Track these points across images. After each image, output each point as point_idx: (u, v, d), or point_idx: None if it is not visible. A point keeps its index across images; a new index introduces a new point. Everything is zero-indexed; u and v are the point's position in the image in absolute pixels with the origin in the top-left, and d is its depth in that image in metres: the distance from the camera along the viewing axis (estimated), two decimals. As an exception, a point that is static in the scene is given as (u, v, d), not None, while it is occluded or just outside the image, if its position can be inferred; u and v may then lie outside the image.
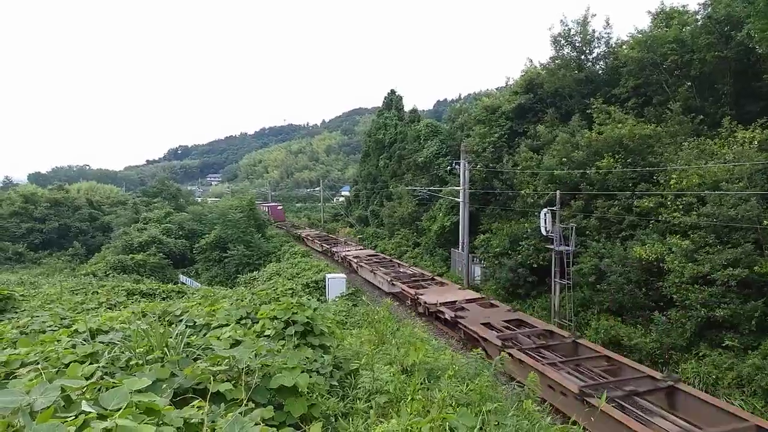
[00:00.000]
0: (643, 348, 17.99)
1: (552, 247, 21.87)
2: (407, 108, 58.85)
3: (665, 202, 19.81)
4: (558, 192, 22.59)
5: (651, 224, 20.44)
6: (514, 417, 6.00)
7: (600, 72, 30.07)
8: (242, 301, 10.91)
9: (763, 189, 16.87)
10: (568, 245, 21.36)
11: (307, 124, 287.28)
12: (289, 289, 24.22)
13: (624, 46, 28.08)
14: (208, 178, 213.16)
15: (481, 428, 5.08)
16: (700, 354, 16.74)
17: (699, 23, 23.66)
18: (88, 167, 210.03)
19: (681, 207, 18.88)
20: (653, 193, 20.51)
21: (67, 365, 4.45)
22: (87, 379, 3.80)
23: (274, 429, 3.53)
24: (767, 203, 16.95)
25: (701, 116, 22.45)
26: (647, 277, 19.44)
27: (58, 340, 5.84)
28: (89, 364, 4.52)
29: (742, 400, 14.41)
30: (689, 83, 23.63)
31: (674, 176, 19.72)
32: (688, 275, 17.11)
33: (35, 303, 17.01)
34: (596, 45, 30.13)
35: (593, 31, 29.82)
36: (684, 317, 17.24)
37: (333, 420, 5.29)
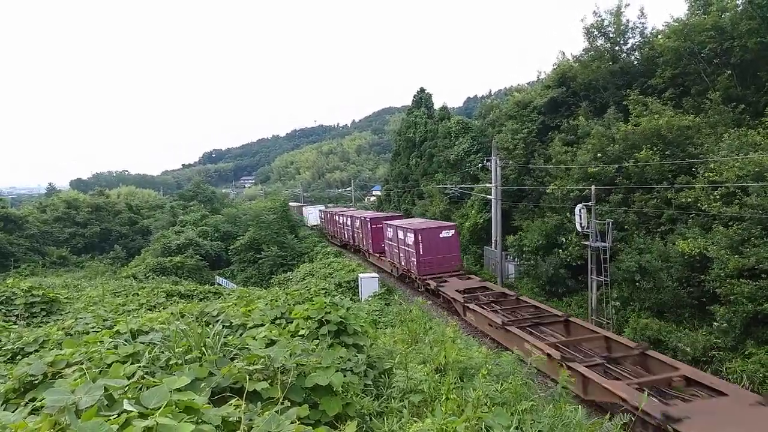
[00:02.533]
0: (683, 349, 17.44)
1: (588, 243, 21.42)
2: (437, 106, 58.59)
3: (704, 194, 19.14)
4: (593, 186, 22.11)
5: (692, 218, 19.81)
6: (549, 416, 5.91)
7: (635, 63, 29.30)
8: (276, 301, 11.06)
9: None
10: (604, 241, 20.89)
11: (338, 125, 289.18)
12: (323, 288, 24.41)
13: (660, 36, 27.28)
14: (242, 181, 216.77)
15: (517, 427, 5.02)
16: (747, 352, 16.13)
17: (739, 9, 22.77)
18: (127, 173, 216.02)
19: (720, 198, 18.21)
20: (693, 185, 19.84)
21: (109, 365, 4.58)
22: (128, 378, 3.91)
23: (310, 427, 3.56)
24: None
25: (743, 105, 21.64)
26: (689, 273, 18.83)
27: (101, 341, 6.02)
28: (131, 364, 4.65)
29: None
30: (729, 72, 22.80)
31: (712, 165, 19.06)
32: (732, 267, 16.47)
33: (79, 305, 17.63)
34: (631, 35, 29.41)
35: (627, 21, 29.11)
36: (731, 312, 16.57)
37: (368, 419, 5.30)
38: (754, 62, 22.32)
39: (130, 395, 3.38)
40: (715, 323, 17.20)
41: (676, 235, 19.94)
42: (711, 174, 18.94)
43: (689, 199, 19.59)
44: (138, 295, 23.21)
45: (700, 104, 23.16)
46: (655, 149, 21.76)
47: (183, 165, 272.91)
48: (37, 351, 7.25)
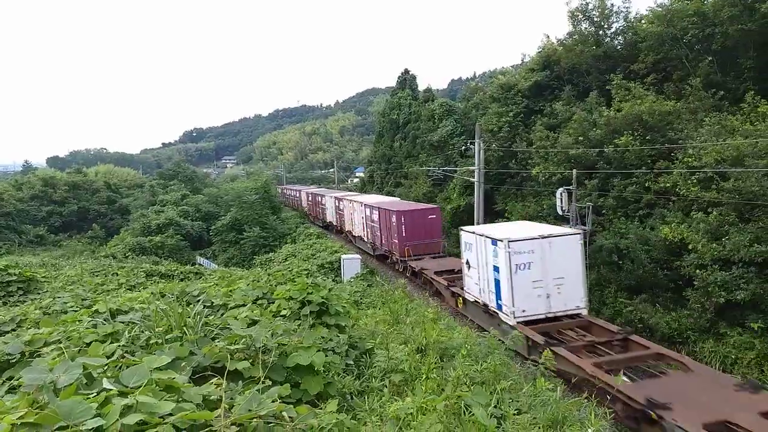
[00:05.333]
0: (659, 328, 17.89)
1: (568, 226, 21.67)
2: (421, 87, 58.24)
3: (682, 179, 19.44)
4: (575, 170, 22.31)
5: (671, 202, 20.13)
6: (528, 395, 6.03)
7: (618, 47, 29.40)
8: (258, 281, 11.02)
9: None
10: (584, 224, 21.17)
11: (321, 105, 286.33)
12: (305, 269, 24.38)
13: (643, 21, 27.40)
14: (223, 160, 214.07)
15: (495, 405, 5.12)
16: (720, 332, 16.60)
17: (722, -5, 22.93)
18: (105, 151, 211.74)
19: (698, 182, 18.50)
20: (672, 169, 20.12)
21: (88, 344, 4.55)
22: (108, 357, 3.88)
23: (291, 406, 3.58)
24: None
25: (722, 92, 21.91)
26: (667, 257, 19.21)
27: (79, 320, 5.97)
28: (110, 343, 4.63)
29: (760, 379, 14.32)
30: (710, 58, 23.02)
31: (691, 151, 19.34)
32: (710, 257, 16.83)
33: (57, 284, 17.39)
34: (615, 19, 29.44)
35: (612, 5, 29.11)
36: (704, 297, 17.02)
37: (349, 398, 5.36)
38: (734, 49, 22.56)
39: (109, 374, 3.36)
40: (686, 311, 17.76)
41: (655, 220, 20.26)
42: (690, 159, 19.22)
43: (668, 185, 19.89)
44: (117, 274, 22.96)
45: (681, 90, 23.40)
46: (636, 134, 21.98)
47: (163, 144, 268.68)
48: (14, 330, 7.16)
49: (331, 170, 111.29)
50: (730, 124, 19.14)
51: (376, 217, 31.17)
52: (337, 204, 42.38)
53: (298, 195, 66.45)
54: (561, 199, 21.90)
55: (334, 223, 43.53)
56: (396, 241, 27.97)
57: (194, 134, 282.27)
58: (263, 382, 3.88)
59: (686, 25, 23.34)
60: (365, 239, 34.48)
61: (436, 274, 23.25)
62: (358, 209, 35.40)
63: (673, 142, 21.08)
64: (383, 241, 30.47)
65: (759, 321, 15.64)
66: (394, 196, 44.84)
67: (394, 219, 27.86)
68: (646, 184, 21.48)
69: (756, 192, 16.42)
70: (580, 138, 24.28)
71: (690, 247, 17.70)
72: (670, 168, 20.34)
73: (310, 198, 56.76)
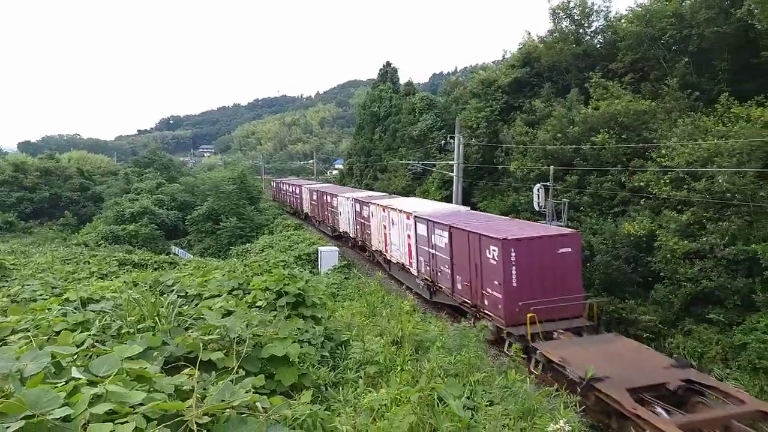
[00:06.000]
0: (637, 322, 18.26)
1: (544, 222, 21.95)
2: (402, 80, 58.16)
3: (655, 178, 19.86)
4: (552, 167, 22.58)
5: (643, 200, 20.53)
6: (500, 387, 6.11)
7: (598, 46, 29.77)
8: (234, 272, 10.93)
9: (758, 166, 16.91)
10: (560, 220, 21.45)
11: (301, 96, 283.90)
12: (282, 261, 24.27)
13: (623, 20, 27.77)
14: (201, 149, 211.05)
15: (468, 397, 5.18)
16: (686, 329, 17.05)
17: (699, -2, 23.38)
18: (78, 137, 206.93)
19: (670, 181, 18.94)
20: (646, 168, 20.52)
21: (57, 333, 4.46)
22: (78, 346, 3.81)
23: (265, 396, 3.57)
24: (763, 181, 17.02)
25: (697, 92, 22.37)
26: (636, 253, 19.62)
27: (48, 309, 5.85)
28: (80, 332, 4.54)
29: (726, 372, 14.76)
30: (687, 59, 23.46)
31: (664, 151, 19.75)
32: (680, 252, 17.28)
33: (26, 272, 17.00)
34: (595, 18, 29.80)
35: (592, 3, 29.47)
36: (671, 293, 17.51)
37: (323, 389, 5.36)
38: (710, 51, 23.02)
39: (79, 363, 3.30)
40: (652, 306, 18.23)
41: (627, 217, 20.65)
42: (663, 159, 19.62)
43: (641, 183, 20.27)
44: (89, 263, 22.54)
45: (657, 89, 23.81)
46: (612, 133, 22.33)
47: (138, 131, 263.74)
48: (-20, 318, 6.98)
49: (311, 161, 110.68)
50: (704, 125, 19.57)
51: (443, 240, 18.67)
52: (358, 209, 29.54)
53: (297, 192, 51.13)
54: (538, 195, 22.15)
55: (352, 235, 31.43)
56: (497, 293, 15.35)
57: (171, 122, 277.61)
58: (237, 373, 3.86)
59: (664, 25, 23.73)
60: (416, 271, 21.66)
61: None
62: (401, 223, 22.71)
63: (647, 141, 21.47)
64: (461, 285, 17.67)
65: (721, 315, 16.17)
66: (373, 189, 44.68)
67: (495, 252, 15.28)
68: (622, 181, 21.86)
69: (731, 190, 16.81)
70: (558, 135, 24.58)
71: (657, 244, 18.16)
72: (644, 167, 20.72)
73: (314, 197, 42.61)
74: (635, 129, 22.34)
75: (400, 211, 22.69)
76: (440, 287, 19.31)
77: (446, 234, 18.20)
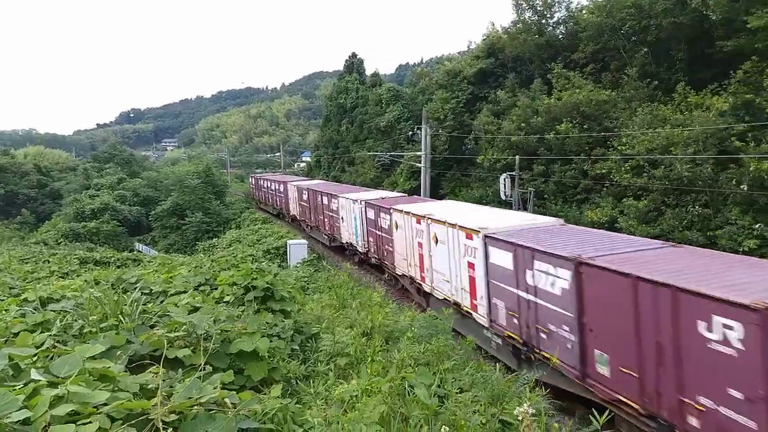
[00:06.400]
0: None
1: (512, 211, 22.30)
2: (369, 72, 58.09)
3: (616, 166, 20.40)
4: (517, 157, 22.92)
5: (605, 188, 21.04)
6: (470, 374, 6.20)
7: (560, 37, 30.26)
8: (201, 268, 10.76)
9: (713, 154, 17.51)
10: (526, 209, 21.82)
11: (267, 88, 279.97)
12: (250, 255, 24.00)
13: (584, 11, 28.28)
14: (163, 143, 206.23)
15: (438, 385, 5.24)
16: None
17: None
18: (34, 131, 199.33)
19: (631, 169, 19.48)
20: (607, 156, 21.03)
21: (16, 334, 4.32)
22: (38, 347, 3.70)
23: (234, 392, 3.53)
24: (720, 168, 17.63)
25: (656, 82, 22.99)
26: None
27: (6, 309, 5.65)
28: (40, 332, 4.41)
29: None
30: (646, 49, 24.07)
31: (624, 139, 20.28)
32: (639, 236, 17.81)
33: (-18, 273, 16.37)
34: (557, 9, 30.31)
35: (554, -6, 29.89)
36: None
37: (294, 383, 5.34)
38: (667, 41, 23.66)
39: (38, 364, 3.20)
40: None
41: (591, 204, 21.18)
42: (623, 147, 20.14)
43: (603, 171, 20.79)
44: (48, 262, 21.87)
45: (618, 79, 24.39)
46: (575, 122, 22.79)
47: (98, 124, 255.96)
48: (-69, 322, 6.69)
49: (277, 154, 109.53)
50: (662, 114, 20.15)
51: (559, 282, 10.20)
52: (372, 217, 22.12)
53: (282, 190, 42.32)
54: (504, 185, 22.47)
55: (361, 250, 24.12)
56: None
57: (131, 115, 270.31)
58: (204, 370, 3.81)
59: (624, 16, 24.27)
60: (486, 319, 13.29)
61: None
62: (454, 242, 14.76)
63: (608, 130, 21.99)
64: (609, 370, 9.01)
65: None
66: (341, 181, 44.49)
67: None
68: (585, 169, 22.37)
69: (688, 177, 17.38)
70: (522, 125, 24.94)
71: (622, 227, 18.66)
72: (606, 155, 21.23)
73: (305, 197, 33.93)
74: (597, 118, 22.84)
75: (454, 225, 14.55)
76: (543, 354, 10.76)
77: (568, 274, 9.80)
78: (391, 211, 19.60)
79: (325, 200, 29.54)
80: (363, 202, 23.17)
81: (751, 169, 15.74)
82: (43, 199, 65.13)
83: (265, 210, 49.73)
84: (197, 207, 43.92)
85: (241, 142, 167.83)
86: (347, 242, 26.37)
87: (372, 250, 22.69)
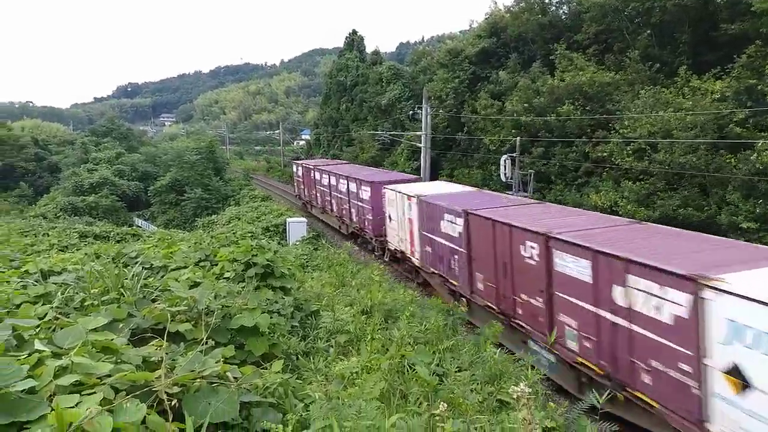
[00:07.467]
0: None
1: (511, 193, 22.27)
2: (369, 49, 57.33)
3: (618, 149, 20.32)
4: (519, 138, 22.81)
5: (606, 171, 20.99)
6: (469, 353, 6.25)
7: (563, 17, 29.85)
8: (201, 244, 10.77)
9: (713, 138, 17.44)
10: (526, 192, 21.80)
11: (266, 64, 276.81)
12: (249, 232, 24.01)
13: (588, -9, 27.84)
14: (161, 118, 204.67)
15: (438, 364, 5.29)
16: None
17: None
18: (31, 104, 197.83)
19: (632, 153, 19.43)
20: (608, 139, 20.93)
21: (18, 306, 4.33)
22: (40, 319, 3.71)
23: (236, 366, 3.56)
24: (715, 151, 17.59)
25: (659, 65, 22.76)
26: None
27: (7, 282, 5.66)
28: (42, 304, 4.42)
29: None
30: (649, 31, 23.77)
31: (627, 122, 20.17)
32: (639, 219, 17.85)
33: (-19, 245, 16.36)
34: (561, -12, 29.80)
35: (558, -27, 29.43)
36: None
37: (294, 358, 5.38)
38: (671, 24, 23.34)
39: (42, 335, 3.22)
40: None
41: (591, 188, 21.14)
42: (625, 130, 20.04)
43: (605, 154, 20.71)
44: (48, 235, 21.88)
45: (620, 61, 24.12)
46: (577, 104, 22.63)
47: (95, 98, 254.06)
48: (-68, 293, 6.70)
49: (276, 132, 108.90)
50: (664, 97, 20.00)
51: None
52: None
53: (343, 189, 26.47)
54: (505, 166, 22.40)
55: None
56: None
57: (129, 89, 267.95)
58: (206, 344, 3.83)
59: (628, -3, 23.92)
60: None
61: None
62: None
63: (610, 113, 21.85)
64: None
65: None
66: (341, 158, 44.17)
67: None
68: (586, 151, 22.27)
69: (683, 163, 17.37)
70: (525, 105, 24.78)
71: (621, 210, 18.68)
72: (607, 138, 21.13)
73: (403, 207, 18.24)
74: (599, 100, 22.68)
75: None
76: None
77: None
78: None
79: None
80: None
81: (756, 157, 15.64)
82: (41, 172, 64.87)
83: (326, 222, 31.43)
84: (197, 183, 43.81)
85: (240, 119, 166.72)
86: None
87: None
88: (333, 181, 29.12)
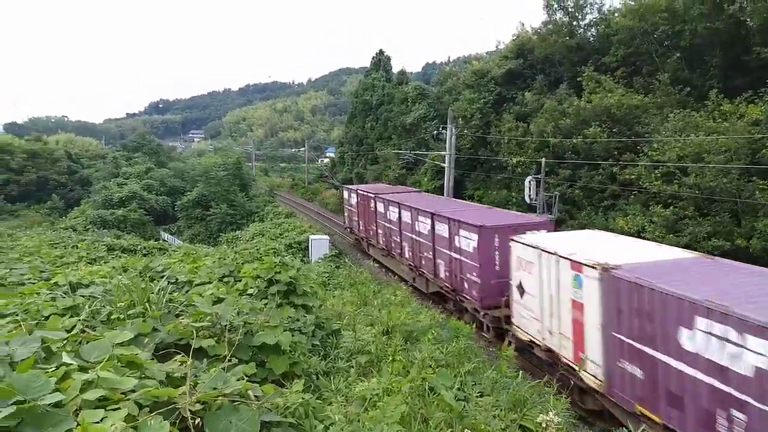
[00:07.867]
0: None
1: (535, 215, 22.04)
2: (395, 69, 57.88)
3: (646, 172, 19.99)
4: (543, 159, 22.65)
5: (633, 195, 20.65)
6: (491, 378, 6.14)
7: (591, 39, 29.77)
8: (225, 259, 10.87)
9: (745, 162, 17.06)
10: (551, 213, 21.55)
11: (293, 82, 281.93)
12: (272, 249, 24.15)
13: (616, 14, 27.77)
14: (191, 134, 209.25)
15: (459, 388, 5.20)
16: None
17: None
18: (66, 119, 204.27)
19: (661, 176, 19.09)
20: (637, 162, 20.64)
21: (47, 317, 4.41)
22: (68, 331, 3.77)
23: (257, 385, 3.55)
24: (748, 177, 17.18)
25: (688, 88, 22.47)
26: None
27: (37, 293, 5.78)
28: (70, 317, 4.49)
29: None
30: (678, 54, 23.54)
31: (656, 145, 19.88)
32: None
33: (13, 255, 16.78)
34: (589, 11, 29.81)
35: (587, -4, 29.43)
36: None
37: (315, 378, 5.35)
38: (701, 47, 23.09)
39: (69, 348, 3.26)
40: None
41: (617, 211, 20.80)
42: (654, 153, 19.74)
43: (632, 176, 20.40)
44: (77, 247, 22.32)
45: (649, 84, 23.90)
46: (604, 126, 22.41)
47: (127, 114, 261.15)
48: (-34, 301, 6.88)
49: (302, 149, 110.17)
50: (694, 121, 19.68)
51: None
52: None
53: (423, 230, 20.18)
54: (529, 188, 22.20)
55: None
56: None
57: (160, 106, 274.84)
58: (229, 361, 3.84)
59: (657, 20, 23.78)
60: None
61: None
62: None
63: (639, 135, 21.58)
64: None
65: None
66: (364, 177, 44.24)
67: None
68: (612, 172, 21.96)
69: (713, 187, 16.99)
70: (551, 124, 24.67)
71: (648, 236, 18.28)
72: (635, 161, 20.85)
73: (557, 278, 11.31)
74: (627, 123, 22.44)
75: None
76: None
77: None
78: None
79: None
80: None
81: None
82: (73, 185, 66.58)
83: (391, 269, 24.97)
84: (222, 199, 44.41)
85: (266, 136, 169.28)
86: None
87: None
88: (406, 216, 21.94)
